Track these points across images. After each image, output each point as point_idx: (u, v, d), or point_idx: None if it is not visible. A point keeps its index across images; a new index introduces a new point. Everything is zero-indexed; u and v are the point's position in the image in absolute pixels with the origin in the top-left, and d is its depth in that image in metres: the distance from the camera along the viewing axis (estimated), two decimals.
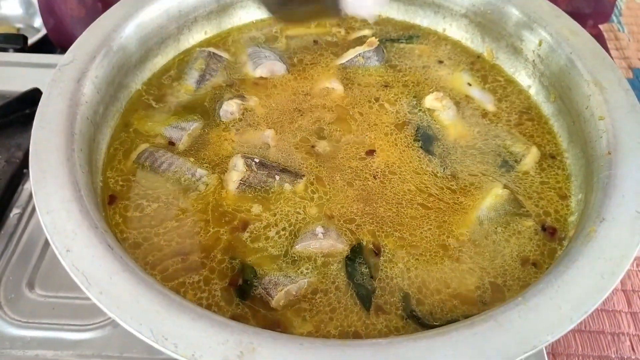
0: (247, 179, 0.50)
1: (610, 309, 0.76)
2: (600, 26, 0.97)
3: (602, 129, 0.47)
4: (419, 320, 0.41)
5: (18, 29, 1.14)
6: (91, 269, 0.36)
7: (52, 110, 0.46)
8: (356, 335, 0.41)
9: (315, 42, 0.66)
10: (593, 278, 0.37)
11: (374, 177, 0.51)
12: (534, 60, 0.59)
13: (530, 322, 0.34)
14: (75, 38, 0.93)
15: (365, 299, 0.43)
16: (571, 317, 0.34)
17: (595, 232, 0.40)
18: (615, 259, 0.37)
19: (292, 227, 0.47)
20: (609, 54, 0.97)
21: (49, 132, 0.45)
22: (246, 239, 0.47)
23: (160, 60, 0.62)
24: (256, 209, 0.48)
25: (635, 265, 0.81)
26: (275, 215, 0.48)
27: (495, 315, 0.34)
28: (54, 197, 0.40)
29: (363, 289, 0.43)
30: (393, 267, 0.45)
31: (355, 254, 0.45)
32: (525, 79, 0.61)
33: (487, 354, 0.32)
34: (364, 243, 0.46)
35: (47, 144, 0.44)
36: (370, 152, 0.53)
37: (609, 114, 0.48)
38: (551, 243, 0.47)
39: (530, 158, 0.53)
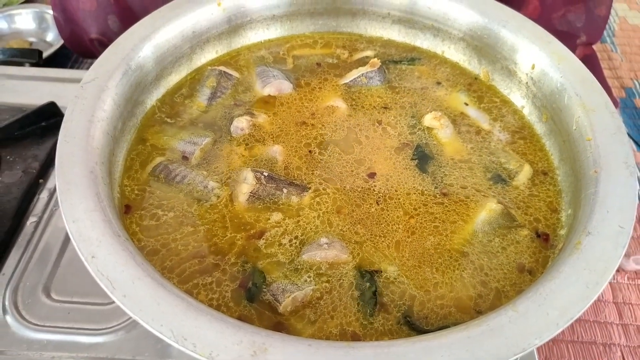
0: (257, 191, 0.53)
1: (602, 321, 0.79)
2: (594, 47, 1.01)
3: (589, 149, 0.51)
4: (412, 325, 0.45)
5: (31, 43, 1.18)
6: (115, 274, 0.39)
7: (75, 126, 0.50)
8: (354, 336, 0.44)
9: (318, 64, 0.69)
10: (578, 287, 0.39)
11: (377, 202, 0.54)
12: (527, 83, 0.63)
13: (520, 327, 0.37)
14: (85, 33, 0.96)
15: (369, 302, 0.46)
16: (557, 322, 0.37)
17: (581, 245, 0.43)
18: (599, 270, 0.40)
19: (297, 239, 0.50)
20: (602, 74, 1.01)
21: (72, 147, 0.48)
22: (261, 245, 0.50)
23: (174, 78, 0.66)
24: (275, 216, 0.52)
25: (627, 278, 0.83)
26: (285, 225, 0.51)
27: (488, 321, 0.37)
28: (78, 207, 0.43)
29: (366, 297, 0.46)
30: (394, 283, 0.48)
31: (362, 274, 0.48)
32: (519, 100, 0.65)
33: (479, 355, 0.35)
34: (365, 263, 0.49)
35: (71, 157, 0.47)
36: (372, 175, 0.56)
37: (596, 135, 0.51)
38: (546, 251, 0.50)
39: (523, 175, 0.56)
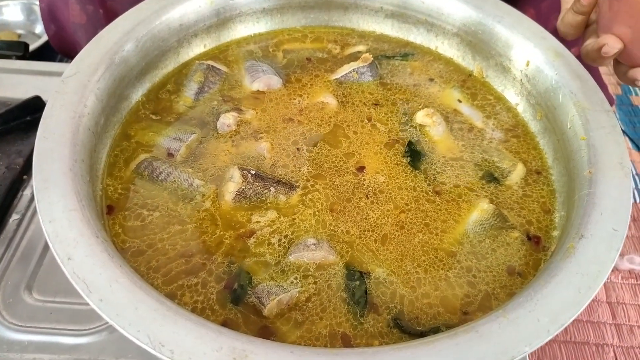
0: (243, 190, 0.51)
1: (595, 321, 0.78)
2: None
3: (584, 148, 0.50)
4: (402, 328, 0.43)
5: (19, 35, 1.16)
6: (91, 276, 0.38)
7: (55, 122, 0.48)
8: (344, 337, 0.43)
9: (308, 59, 0.68)
10: (570, 292, 0.38)
11: (367, 196, 0.53)
12: (521, 80, 0.61)
13: (510, 333, 0.36)
14: (76, 44, 0.95)
15: (359, 302, 0.45)
16: (548, 329, 0.36)
17: (574, 248, 0.41)
18: (591, 274, 0.39)
19: (286, 239, 0.49)
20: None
21: (51, 143, 0.46)
22: (250, 244, 0.48)
23: (160, 72, 0.64)
24: (264, 215, 0.50)
25: (620, 278, 0.83)
26: (273, 225, 0.50)
27: (477, 327, 0.36)
28: (56, 206, 0.42)
29: (356, 297, 0.45)
30: (384, 284, 0.47)
31: (350, 274, 0.47)
32: (513, 97, 0.63)
33: None
34: (354, 264, 0.48)
35: (50, 154, 0.45)
36: (361, 169, 0.55)
37: (591, 134, 0.50)
38: (537, 253, 0.49)
39: (516, 174, 0.55)
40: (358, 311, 0.45)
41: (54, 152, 0.46)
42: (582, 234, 0.42)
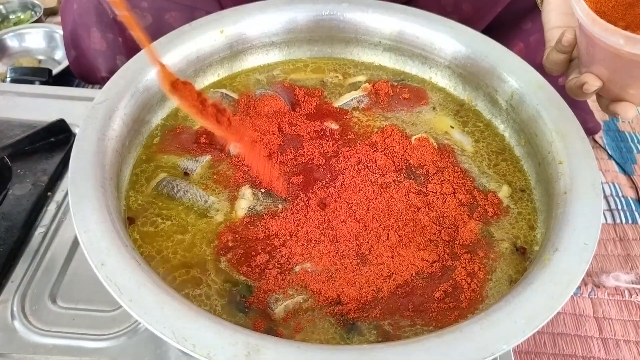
0: (254, 207, 0.57)
1: (583, 335, 0.82)
2: None
3: (561, 172, 0.55)
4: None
5: (39, 61, 1.23)
6: (122, 280, 0.43)
7: (88, 144, 0.54)
8: None
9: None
10: (544, 298, 0.43)
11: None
12: (507, 109, 0.67)
13: (490, 333, 0.41)
14: (96, 69, 1.02)
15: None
16: (524, 330, 0.41)
17: (549, 260, 0.47)
18: (564, 283, 0.44)
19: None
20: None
21: (85, 163, 0.52)
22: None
23: None
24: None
25: (607, 294, 0.87)
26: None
27: (461, 328, 0.41)
28: (90, 219, 0.47)
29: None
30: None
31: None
32: (500, 124, 0.69)
33: (452, 358, 0.39)
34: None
35: (83, 173, 0.51)
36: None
37: (567, 159, 0.55)
38: (524, 262, 0.54)
39: (501, 194, 0.61)
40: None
41: (87, 171, 0.51)
42: (557, 248, 0.47)
